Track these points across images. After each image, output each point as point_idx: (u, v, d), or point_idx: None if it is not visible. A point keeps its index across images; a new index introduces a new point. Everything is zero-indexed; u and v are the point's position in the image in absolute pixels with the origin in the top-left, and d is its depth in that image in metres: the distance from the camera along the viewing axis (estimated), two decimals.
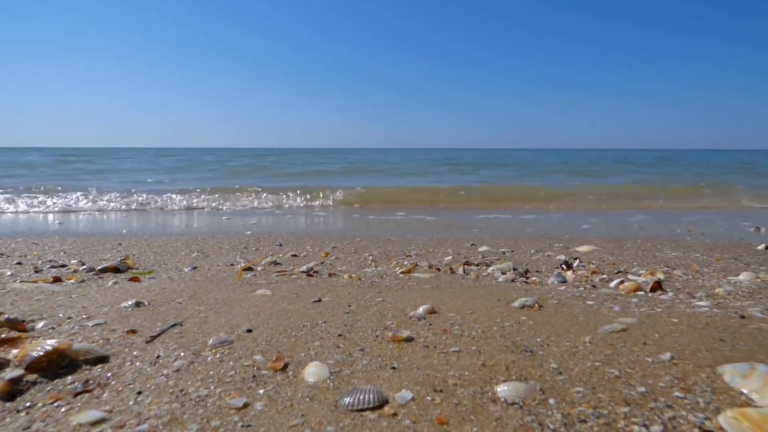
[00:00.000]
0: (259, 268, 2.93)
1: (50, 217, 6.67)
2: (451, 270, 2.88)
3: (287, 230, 5.24)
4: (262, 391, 1.11)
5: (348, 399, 1.06)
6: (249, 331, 1.52)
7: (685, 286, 2.35)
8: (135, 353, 1.34)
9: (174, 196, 9.27)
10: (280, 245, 4.10)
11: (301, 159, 31.03)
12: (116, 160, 28.23)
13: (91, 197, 9.10)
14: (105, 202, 8.41)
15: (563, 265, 2.97)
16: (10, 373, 1.14)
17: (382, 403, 1.05)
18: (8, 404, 1.05)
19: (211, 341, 1.41)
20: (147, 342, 1.42)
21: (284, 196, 9.58)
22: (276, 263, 3.11)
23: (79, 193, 9.67)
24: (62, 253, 3.57)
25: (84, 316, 1.68)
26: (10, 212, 7.18)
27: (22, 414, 1.02)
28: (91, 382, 1.16)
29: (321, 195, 9.59)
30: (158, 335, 1.48)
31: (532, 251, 3.69)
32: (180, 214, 7.17)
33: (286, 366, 1.25)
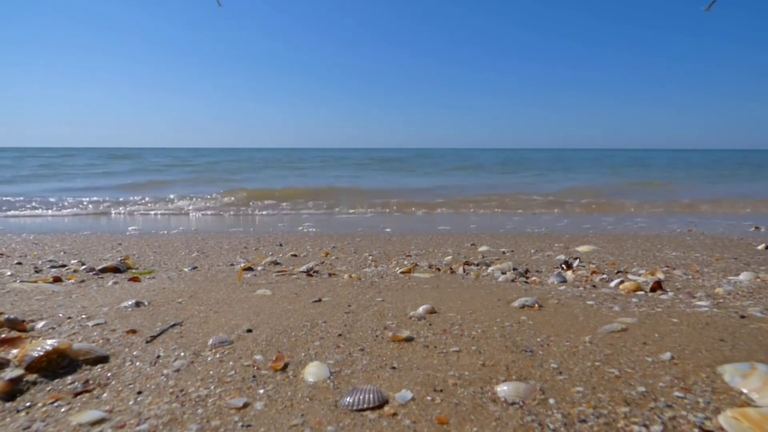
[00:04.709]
0: (259, 268, 2.93)
1: None
2: (451, 270, 2.87)
3: None
4: (262, 391, 1.11)
5: (348, 399, 1.06)
6: (249, 331, 1.52)
7: (685, 285, 2.35)
8: (135, 353, 1.34)
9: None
10: (280, 245, 4.10)
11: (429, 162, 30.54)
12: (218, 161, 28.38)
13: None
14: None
15: (563, 265, 2.97)
16: (10, 373, 1.14)
17: (382, 403, 1.05)
18: (8, 404, 1.05)
19: (211, 341, 1.41)
20: (147, 342, 1.42)
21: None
22: (276, 263, 3.11)
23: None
24: (62, 253, 3.57)
25: (84, 316, 1.68)
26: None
27: (22, 414, 1.02)
28: (91, 382, 1.16)
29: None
30: (158, 335, 1.48)
31: (532, 251, 3.69)
32: None
33: (286, 366, 1.25)
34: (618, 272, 2.74)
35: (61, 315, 1.70)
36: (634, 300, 1.99)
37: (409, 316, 1.71)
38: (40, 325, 1.58)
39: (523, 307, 1.84)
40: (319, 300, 1.96)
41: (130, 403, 1.06)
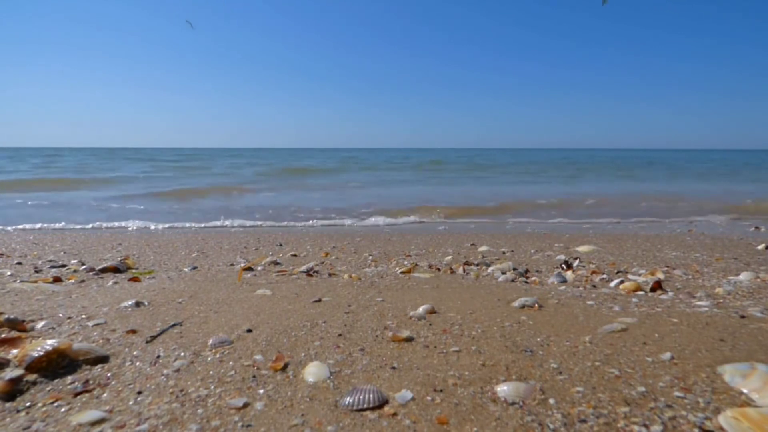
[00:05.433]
0: (259, 268, 2.92)
1: None
2: (451, 270, 2.87)
3: None
4: (262, 391, 1.11)
5: (348, 399, 1.06)
6: (249, 331, 1.52)
7: (685, 285, 2.35)
8: (135, 353, 1.34)
9: None
10: (280, 245, 4.10)
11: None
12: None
13: None
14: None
15: (563, 265, 2.97)
16: (10, 373, 1.14)
17: (382, 403, 1.05)
18: (8, 404, 1.05)
19: (211, 341, 1.41)
20: (147, 342, 1.42)
21: None
22: (276, 263, 3.11)
23: None
24: (62, 253, 3.57)
25: (84, 316, 1.68)
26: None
27: (22, 414, 1.02)
28: (91, 382, 1.16)
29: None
30: (158, 335, 1.48)
31: (532, 251, 3.69)
32: None
33: (286, 366, 1.25)
34: (618, 272, 2.74)
35: (61, 315, 1.70)
36: (634, 300, 1.99)
37: (409, 316, 1.71)
38: (40, 325, 1.58)
39: (523, 307, 1.84)
40: (319, 300, 1.95)
41: (130, 403, 1.06)
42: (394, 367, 1.25)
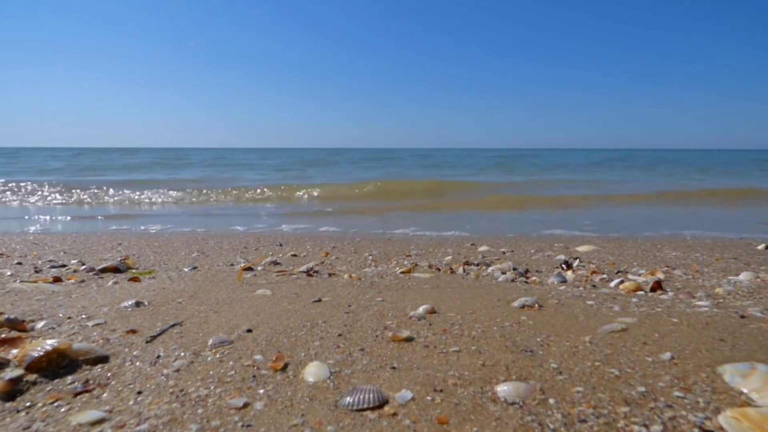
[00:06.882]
0: (259, 268, 2.92)
1: None
2: (451, 270, 2.87)
3: None
4: (262, 391, 1.11)
5: (348, 399, 1.06)
6: (249, 331, 1.52)
7: (685, 285, 2.35)
8: (135, 353, 1.34)
9: None
10: (280, 245, 4.10)
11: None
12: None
13: None
14: None
15: (563, 265, 2.97)
16: (10, 373, 1.14)
17: (382, 403, 1.05)
18: (8, 404, 1.05)
19: (211, 341, 1.41)
20: (147, 342, 1.42)
21: None
22: (276, 263, 3.11)
23: None
24: (62, 253, 3.57)
25: (84, 316, 1.68)
26: None
27: (22, 414, 1.02)
28: (91, 382, 1.16)
29: None
30: (158, 335, 1.48)
31: (532, 251, 3.69)
32: None
33: (286, 366, 1.25)
34: (618, 272, 2.74)
35: (61, 315, 1.70)
36: (634, 300, 1.99)
37: (409, 316, 1.71)
38: (40, 325, 1.58)
39: (523, 307, 1.83)
40: (319, 300, 1.95)
41: (130, 403, 1.06)
42: (394, 367, 1.25)
